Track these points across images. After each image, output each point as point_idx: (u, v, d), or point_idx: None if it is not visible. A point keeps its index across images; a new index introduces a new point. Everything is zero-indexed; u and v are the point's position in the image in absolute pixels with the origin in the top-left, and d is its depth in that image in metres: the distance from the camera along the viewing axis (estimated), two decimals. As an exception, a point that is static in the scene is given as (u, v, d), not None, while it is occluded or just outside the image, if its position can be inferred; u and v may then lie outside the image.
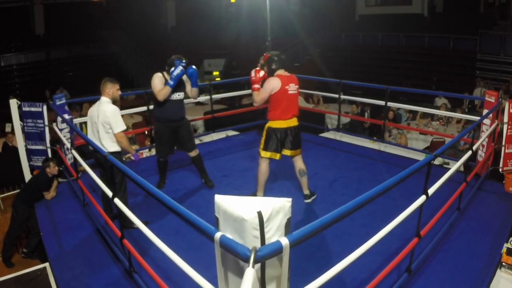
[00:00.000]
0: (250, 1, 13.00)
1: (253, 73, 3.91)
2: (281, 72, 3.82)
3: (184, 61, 4.08)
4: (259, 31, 12.42)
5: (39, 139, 4.96)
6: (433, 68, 12.92)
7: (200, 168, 4.55)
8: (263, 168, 3.98)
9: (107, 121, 3.52)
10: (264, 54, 3.98)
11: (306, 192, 4.13)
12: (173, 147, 4.40)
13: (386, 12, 15.66)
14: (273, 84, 3.73)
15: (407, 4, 15.32)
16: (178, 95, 4.18)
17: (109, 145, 3.57)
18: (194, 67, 4.24)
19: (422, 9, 15.08)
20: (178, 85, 4.09)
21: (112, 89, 3.66)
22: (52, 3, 16.37)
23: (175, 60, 4.08)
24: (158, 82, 4.08)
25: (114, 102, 3.68)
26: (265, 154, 3.92)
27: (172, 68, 4.02)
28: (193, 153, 4.46)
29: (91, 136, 3.64)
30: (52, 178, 4.53)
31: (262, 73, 3.90)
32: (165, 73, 4.15)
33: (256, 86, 3.86)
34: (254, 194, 4.10)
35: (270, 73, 3.84)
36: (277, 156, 3.92)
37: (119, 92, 3.73)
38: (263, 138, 3.92)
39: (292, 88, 3.81)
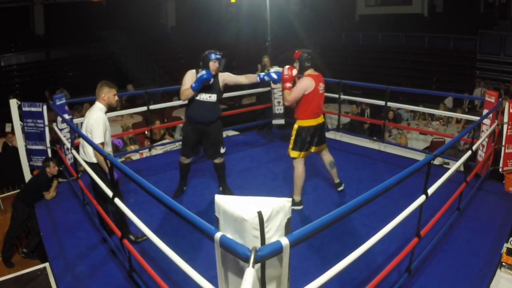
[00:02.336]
0: (250, 1, 12.99)
1: (286, 70, 3.76)
2: (311, 71, 3.84)
3: (218, 53, 3.80)
4: (259, 31, 12.42)
5: (39, 139, 4.96)
6: (433, 68, 12.93)
7: (221, 175, 4.29)
8: (300, 170, 3.88)
9: (89, 128, 3.28)
10: (296, 51, 3.88)
11: (338, 180, 4.27)
12: (196, 149, 4.16)
13: (386, 12, 15.67)
14: (307, 84, 3.73)
15: (407, 4, 15.33)
16: (209, 96, 3.88)
17: (90, 154, 3.36)
18: (279, 68, 3.99)
19: (422, 9, 15.09)
20: (208, 87, 3.82)
21: (108, 94, 3.37)
22: (52, 3, 16.37)
23: (208, 54, 3.78)
24: (188, 81, 3.83)
25: (110, 108, 3.43)
26: (294, 154, 3.87)
27: (200, 70, 3.76)
28: (216, 160, 4.19)
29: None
30: (52, 178, 4.53)
31: (295, 71, 3.81)
32: (200, 69, 3.82)
33: (288, 84, 3.77)
34: (292, 198, 3.89)
35: (301, 71, 3.84)
36: (307, 154, 3.94)
37: (116, 98, 3.44)
38: (293, 138, 3.87)
39: (321, 87, 3.88)
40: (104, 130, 3.29)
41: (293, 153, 3.88)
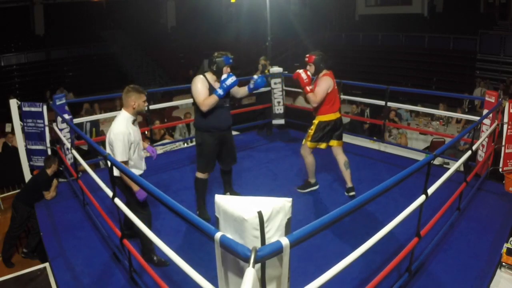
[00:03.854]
0: (250, 1, 12.99)
1: (304, 75, 3.91)
2: (326, 71, 4.03)
3: (231, 57, 3.59)
4: (259, 31, 12.43)
5: (39, 139, 4.96)
6: (433, 68, 12.93)
7: (230, 181, 4.15)
8: (311, 159, 4.17)
9: (110, 142, 2.99)
10: (308, 56, 4.01)
11: (350, 185, 4.20)
12: (216, 161, 3.89)
13: (386, 12, 15.68)
14: (329, 83, 3.95)
15: (407, 4, 15.34)
16: (225, 101, 3.65)
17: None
18: (264, 78, 3.85)
19: (422, 9, 15.10)
20: (227, 94, 3.59)
21: (138, 101, 3.03)
22: (52, 3, 16.38)
23: (223, 57, 3.53)
24: (202, 88, 3.49)
25: (137, 114, 3.14)
26: (311, 144, 4.09)
27: (224, 76, 3.50)
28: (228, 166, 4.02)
29: None
30: (52, 177, 4.53)
31: (309, 74, 3.99)
32: (207, 74, 3.59)
33: (309, 88, 3.92)
34: (307, 182, 4.35)
35: (317, 72, 4.01)
36: (323, 146, 4.13)
37: (146, 104, 3.13)
38: (312, 131, 4.06)
39: (335, 83, 4.09)
40: (126, 146, 2.97)
41: (310, 144, 4.09)
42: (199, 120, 3.68)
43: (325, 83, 3.91)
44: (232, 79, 3.48)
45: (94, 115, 6.93)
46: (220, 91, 3.45)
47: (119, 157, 2.93)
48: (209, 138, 3.68)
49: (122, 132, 2.95)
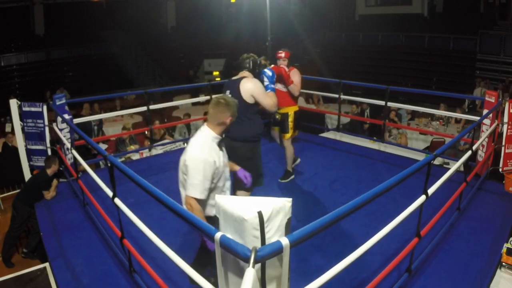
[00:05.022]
0: (250, 1, 12.98)
1: (287, 68, 4.29)
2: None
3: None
4: (259, 31, 12.41)
5: (39, 139, 4.96)
6: (433, 68, 12.94)
7: None
8: (292, 149, 4.51)
9: (185, 169, 2.37)
10: (284, 52, 4.37)
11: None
12: None
13: (386, 12, 15.68)
14: (300, 75, 4.41)
15: (407, 4, 15.34)
16: None
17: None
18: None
19: (422, 9, 15.10)
20: None
21: (233, 117, 2.46)
22: (52, 3, 16.37)
23: (258, 60, 3.38)
24: (263, 87, 3.27)
25: (222, 130, 2.49)
26: (294, 134, 4.46)
27: (268, 72, 3.39)
28: None
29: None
30: (52, 177, 4.53)
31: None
32: (247, 75, 3.32)
33: (291, 79, 4.26)
34: (288, 171, 4.58)
35: (288, 67, 4.38)
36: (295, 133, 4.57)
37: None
38: (292, 123, 4.38)
39: None
40: (206, 179, 2.33)
41: (293, 134, 4.44)
42: (250, 128, 3.26)
43: (299, 75, 4.36)
44: (274, 73, 3.48)
45: (97, 115, 6.92)
46: (273, 86, 3.38)
47: (194, 192, 2.30)
48: (257, 146, 3.37)
49: (203, 159, 2.29)
